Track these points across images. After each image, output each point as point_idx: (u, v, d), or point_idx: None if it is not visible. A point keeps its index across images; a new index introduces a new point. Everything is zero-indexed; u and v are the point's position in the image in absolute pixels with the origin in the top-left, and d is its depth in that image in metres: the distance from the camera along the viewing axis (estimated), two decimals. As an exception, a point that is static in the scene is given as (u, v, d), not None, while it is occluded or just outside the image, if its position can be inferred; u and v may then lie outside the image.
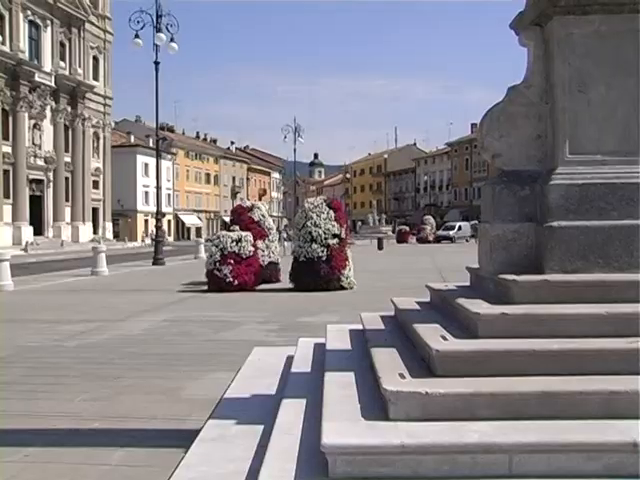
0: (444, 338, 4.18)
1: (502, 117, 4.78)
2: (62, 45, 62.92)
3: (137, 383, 6.60)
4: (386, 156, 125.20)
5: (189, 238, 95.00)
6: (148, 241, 70.98)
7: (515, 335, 4.07)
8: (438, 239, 58.19)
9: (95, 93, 67.64)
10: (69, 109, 62.60)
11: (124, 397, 6.08)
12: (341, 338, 6.01)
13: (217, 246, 15.92)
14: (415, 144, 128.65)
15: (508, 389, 3.68)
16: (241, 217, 18.04)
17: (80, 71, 65.10)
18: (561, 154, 4.61)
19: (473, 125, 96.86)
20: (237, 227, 16.92)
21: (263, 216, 18.31)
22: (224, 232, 16.61)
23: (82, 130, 65.01)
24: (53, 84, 60.17)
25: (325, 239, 15.60)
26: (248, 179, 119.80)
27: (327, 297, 14.30)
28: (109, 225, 71.70)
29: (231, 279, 15.62)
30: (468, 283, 5.59)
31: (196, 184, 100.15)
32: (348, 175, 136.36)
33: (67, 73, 62.56)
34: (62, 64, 62.64)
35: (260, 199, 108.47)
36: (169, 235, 79.56)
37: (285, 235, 47.21)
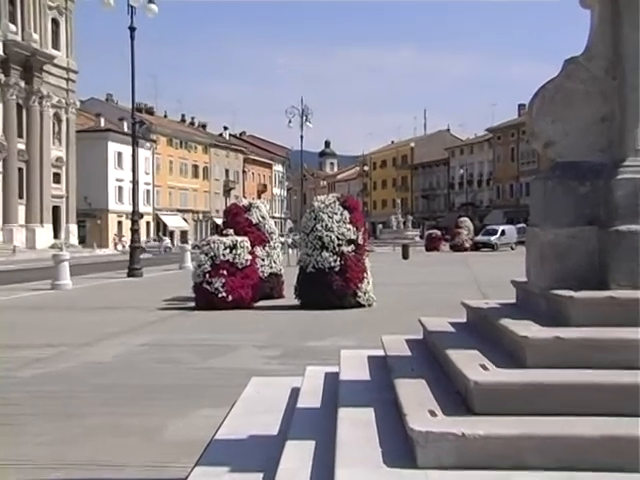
0: (484, 367, 4.17)
1: (557, 96, 4.77)
2: (12, 3, 60.42)
3: (107, 422, 6.62)
4: (413, 145, 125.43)
5: (172, 244, 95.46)
6: (121, 247, 71.35)
7: (572, 364, 4.05)
8: (477, 246, 58.16)
9: (55, 65, 66.98)
10: (22, 84, 60.94)
11: (91, 440, 6.09)
12: (358, 366, 6.01)
13: (207, 254, 15.98)
14: (449, 130, 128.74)
15: (565, 431, 3.66)
16: (236, 219, 18.10)
17: (36, 37, 63.00)
18: (631, 142, 4.59)
19: (521, 106, 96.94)
20: (231, 231, 16.98)
21: (263, 217, 18.38)
22: (215, 237, 16.70)
23: (39, 110, 64.61)
24: (1, 52, 58.27)
25: (338, 246, 15.63)
26: (245, 172, 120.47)
27: (341, 316, 14.33)
28: (73, 228, 72.16)
29: (224, 294, 15.68)
30: (514, 300, 5.58)
31: (181, 178, 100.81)
32: (366, 168, 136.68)
33: (19, 39, 60.34)
34: (12, 27, 60.29)
35: (259, 197, 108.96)
36: (156, 239, 79.80)
37: (290, 241, 47.25)
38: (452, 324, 5.91)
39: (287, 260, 29.97)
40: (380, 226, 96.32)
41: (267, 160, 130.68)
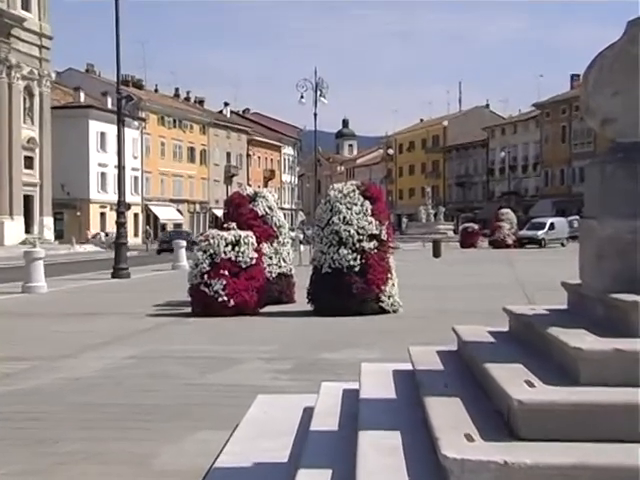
0: (530, 384, 4.16)
1: (617, 65, 4.72)
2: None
3: (87, 448, 6.64)
4: (445, 123, 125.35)
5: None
6: (104, 238, 71.52)
7: (635, 381, 4.03)
8: (520, 242, 58.08)
9: (26, 29, 66.71)
10: (-15, 52, 61.37)
11: (67, 470, 6.08)
12: (381, 382, 6.02)
13: (205, 251, 16.05)
14: (488, 106, 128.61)
15: (626, 461, 3.64)
16: (239, 210, 18.17)
17: (1, -7, 62.40)
18: None
19: (574, 78, 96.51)
20: (233, 224, 17.03)
21: (270, 209, 18.43)
22: (215, 231, 16.79)
23: (7, 83, 64.46)
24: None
25: (358, 242, 15.67)
26: (249, 156, 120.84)
27: (361, 324, 14.38)
28: (49, 221, 72.52)
29: (225, 298, 15.73)
30: (565, 305, 5.56)
31: (175, 163, 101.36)
32: (391, 151, 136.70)
33: (-21, -4, 60.33)
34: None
35: (266, 185, 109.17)
36: (145, 235, 79.94)
37: (302, 236, 47.33)
38: (492, 333, 5.90)
39: (298, 259, 30.04)
40: (405, 219, 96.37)
41: (275, 142, 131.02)
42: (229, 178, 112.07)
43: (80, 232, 78.03)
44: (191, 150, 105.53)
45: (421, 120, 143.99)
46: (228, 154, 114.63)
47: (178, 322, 15.35)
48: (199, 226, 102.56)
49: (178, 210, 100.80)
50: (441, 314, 15.26)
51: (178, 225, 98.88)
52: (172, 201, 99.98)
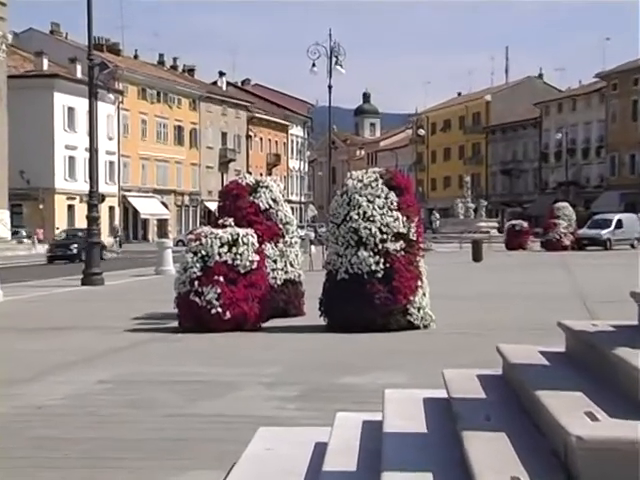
0: (592, 416, 4.17)
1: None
2: None
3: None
4: (489, 98, 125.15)
5: (146, 238, 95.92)
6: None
7: None
8: (580, 243, 57.84)
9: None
10: None
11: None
12: (409, 413, 6.03)
13: (196, 253, 16.09)
14: (541, 77, 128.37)
15: None
16: (237, 203, 18.19)
17: None
18: None
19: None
20: (230, 220, 17.07)
21: (275, 201, 18.44)
22: (208, 229, 16.82)
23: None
24: None
25: (382, 242, 15.67)
26: (249, 137, 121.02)
27: (385, 342, 14.40)
28: (4, 215, 72.59)
29: (220, 310, 15.76)
30: (635, 321, 5.56)
31: (159, 145, 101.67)
32: (422, 131, 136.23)
33: None
34: None
35: (270, 172, 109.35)
36: (113, 234, 79.41)
37: (313, 235, 47.36)
38: (545, 354, 5.91)
39: (309, 262, 29.98)
40: (437, 215, 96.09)
41: (281, 120, 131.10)
42: (225, 164, 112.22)
43: (45, 228, 77.79)
44: (179, 130, 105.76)
45: (459, 94, 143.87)
46: (224, 135, 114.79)
47: (162, 339, 15.38)
48: (188, 222, 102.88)
49: (163, 203, 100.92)
50: (482, 330, 15.23)
51: (163, 221, 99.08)
52: (156, 192, 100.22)
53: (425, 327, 15.82)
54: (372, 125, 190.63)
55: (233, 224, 16.86)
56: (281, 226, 18.36)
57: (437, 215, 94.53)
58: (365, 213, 15.82)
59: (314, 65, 49.41)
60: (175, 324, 16.40)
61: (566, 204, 63.78)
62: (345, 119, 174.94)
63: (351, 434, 6.50)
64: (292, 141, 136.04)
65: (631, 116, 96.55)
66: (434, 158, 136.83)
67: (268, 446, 7.35)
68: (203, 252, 16.02)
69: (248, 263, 16.16)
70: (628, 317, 5.75)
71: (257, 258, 16.38)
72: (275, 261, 17.84)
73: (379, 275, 15.62)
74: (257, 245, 16.51)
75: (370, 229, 15.73)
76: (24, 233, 75.78)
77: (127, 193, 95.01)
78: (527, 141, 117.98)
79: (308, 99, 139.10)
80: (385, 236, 15.75)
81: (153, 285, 27.68)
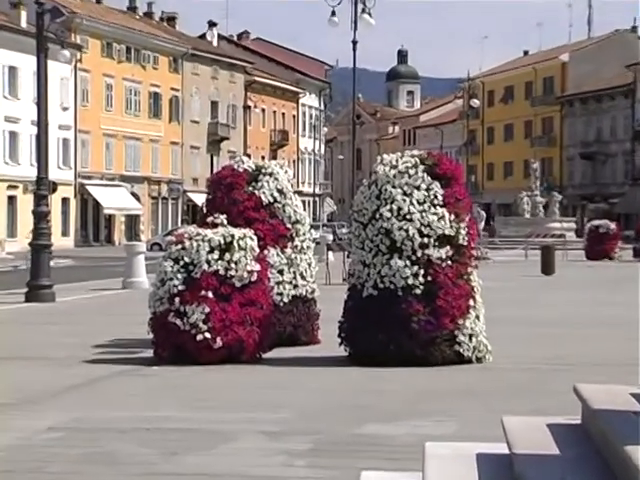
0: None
1: None
2: None
3: None
4: (565, 58, 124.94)
5: (110, 241, 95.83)
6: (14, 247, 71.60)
7: None
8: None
9: None
10: None
11: None
12: (458, 473, 6.03)
13: (177, 260, 16.06)
14: (635, 30, 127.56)
15: None
16: (232, 195, 18.19)
17: None
18: None
19: None
20: (223, 218, 17.02)
21: (281, 193, 18.44)
22: (193, 228, 16.77)
23: None
24: None
25: (422, 248, 15.60)
26: (248, 109, 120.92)
27: (425, 380, 14.39)
28: None
29: (208, 335, 15.71)
30: None
31: (128, 118, 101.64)
32: (475, 102, 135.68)
33: None
34: None
35: (275, 155, 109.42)
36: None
37: (331, 238, 47.46)
38: (638, 397, 5.91)
39: (326, 274, 29.98)
40: (479, 213, 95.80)
41: (290, 86, 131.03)
42: (216, 144, 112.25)
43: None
44: (155, 98, 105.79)
45: (525, 53, 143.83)
46: (214, 105, 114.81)
47: (132, 373, 15.38)
48: (166, 219, 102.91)
49: (133, 194, 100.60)
50: (554, 365, 15.21)
51: (133, 218, 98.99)
52: (124, 179, 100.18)
53: (479, 361, 15.76)
54: (410, 94, 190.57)
55: (226, 223, 16.83)
56: (289, 226, 18.33)
57: (481, 213, 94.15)
58: (400, 210, 15.73)
59: (334, 13, 49.12)
60: (149, 354, 16.39)
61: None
62: (374, 85, 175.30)
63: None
64: (304, 114, 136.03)
65: None
66: (491, 137, 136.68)
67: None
68: (186, 259, 15.96)
69: (245, 274, 16.11)
70: None
71: (257, 268, 16.32)
72: (281, 272, 17.83)
73: (418, 291, 15.54)
74: (257, 251, 16.48)
75: (407, 231, 15.63)
76: None
77: (86, 181, 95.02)
78: (616, 115, 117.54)
79: (325, 59, 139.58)
80: (426, 240, 15.64)
81: (120, 302, 27.68)
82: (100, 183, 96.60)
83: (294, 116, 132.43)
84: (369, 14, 48.41)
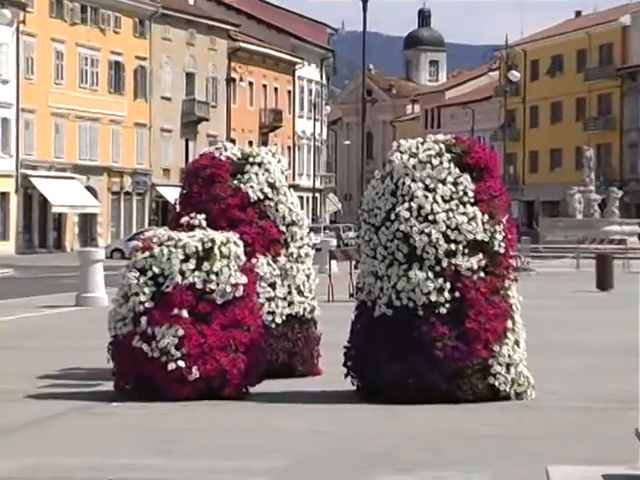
0: None
1: None
2: None
3: None
4: (626, 21, 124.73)
5: (61, 246, 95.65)
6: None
7: None
8: None
9: None
10: None
11: None
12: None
13: (144, 271, 16.13)
14: None
15: None
16: (212, 190, 18.25)
17: None
18: None
19: None
20: (201, 218, 17.11)
21: (273, 188, 18.53)
22: (163, 231, 16.86)
23: None
24: None
25: (449, 256, 15.64)
26: (232, 82, 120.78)
27: (452, 420, 14.43)
28: None
29: (182, 364, 15.77)
30: None
31: (83, 94, 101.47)
32: (515, 75, 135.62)
33: None
34: None
35: (266, 141, 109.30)
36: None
37: (334, 243, 47.63)
38: None
39: (328, 288, 30.00)
40: (540, 213, 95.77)
41: (283, 55, 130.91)
42: (192, 126, 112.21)
43: None
44: (116, 68, 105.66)
45: (577, 14, 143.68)
46: (190, 77, 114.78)
47: (89, 410, 15.39)
48: (130, 219, 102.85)
49: (89, 188, 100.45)
50: (611, 404, 15.21)
51: (89, 218, 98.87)
52: (77, 170, 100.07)
53: (518, 396, 15.77)
54: (433, 64, 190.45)
55: (205, 224, 16.89)
56: (283, 228, 18.37)
57: (541, 212, 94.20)
58: (421, 209, 15.75)
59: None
60: (109, 387, 16.39)
61: None
62: (389, 54, 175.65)
63: None
64: (302, 89, 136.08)
65: None
66: (535, 119, 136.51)
67: None
68: (155, 270, 16.01)
69: (229, 288, 16.15)
70: None
71: (244, 280, 16.37)
72: (273, 285, 17.89)
73: (443, 310, 15.55)
74: (244, 259, 16.54)
75: (429, 235, 15.65)
76: None
77: (30, 172, 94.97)
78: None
79: (328, 21, 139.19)
80: (453, 246, 15.68)
81: (73, 323, 27.70)
82: (48, 175, 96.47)
83: (289, 92, 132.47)
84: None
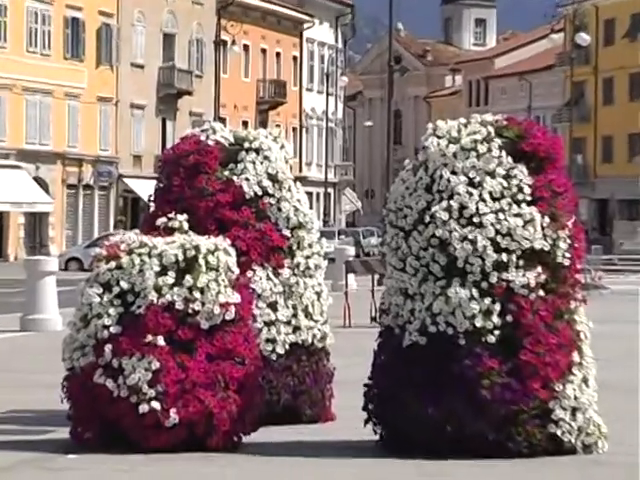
0: None
1: None
2: None
3: None
4: None
5: (2, 254, 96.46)
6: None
7: None
8: None
9: None
10: None
11: None
12: None
13: (109, 286, 16.02)
14: None
15: None
16: (197, 183, 18.20)
17: None
18: None
19: None
20: (182, 219, 16.99)
21: (275, 181, 18.51)
22: (134, 235, 16.80)
23: None
24: None
25: (499, 270, 15.50)
26: (221, 46, 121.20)
27: (501, 477, 14.57)
28: None
29: (157, 406, 15.68)
30: None
31: (32, 59, 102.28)
32: (585, 38, 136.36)
33: None
34: None
35: (265, 122, 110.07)
36: None
37: (352, 251, 47.91)
38: None
39: (344, 310, 30.13)
40: (616, 215, 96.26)
41: (288, 11, 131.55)
42: (171, 101, 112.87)
43: None
44: (74, 27, 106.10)
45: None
46: (168, 40, 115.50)
47: (39, 464, 15.34)
48: (91, 220, 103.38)
49: (38, 179, 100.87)
50: None
51: (38, 218, 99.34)
52: (24, 156, 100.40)
53: (586, 449, 15.65)
54: (479, 24, 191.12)
55: (187, 227, 16.78)
56: (287, 232, 18.32)
57: (617, 214, 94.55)
58: (464, 209, 15.68)
59: None
60: (64, 434, 16.33)
61: None
62: (423, 11, 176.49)
63: None
64: (311, 55, 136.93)
65: None
66: (609, 95, 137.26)
67: None
68: (124, 285, 15.94)
69: (217, 309, 16.05)
70: None
71: (236, 299, 16.28)
72: (274, 306, 17.79)
73: (491, 338, 15.49)
74: (237, 272, 16.44)
75: (474, 242, 15.57)
76: None
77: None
78: None
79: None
80: (505, 257, 15.59)
81: (18, 352, 27.88)
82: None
83: (295, 58, 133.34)
84: None
